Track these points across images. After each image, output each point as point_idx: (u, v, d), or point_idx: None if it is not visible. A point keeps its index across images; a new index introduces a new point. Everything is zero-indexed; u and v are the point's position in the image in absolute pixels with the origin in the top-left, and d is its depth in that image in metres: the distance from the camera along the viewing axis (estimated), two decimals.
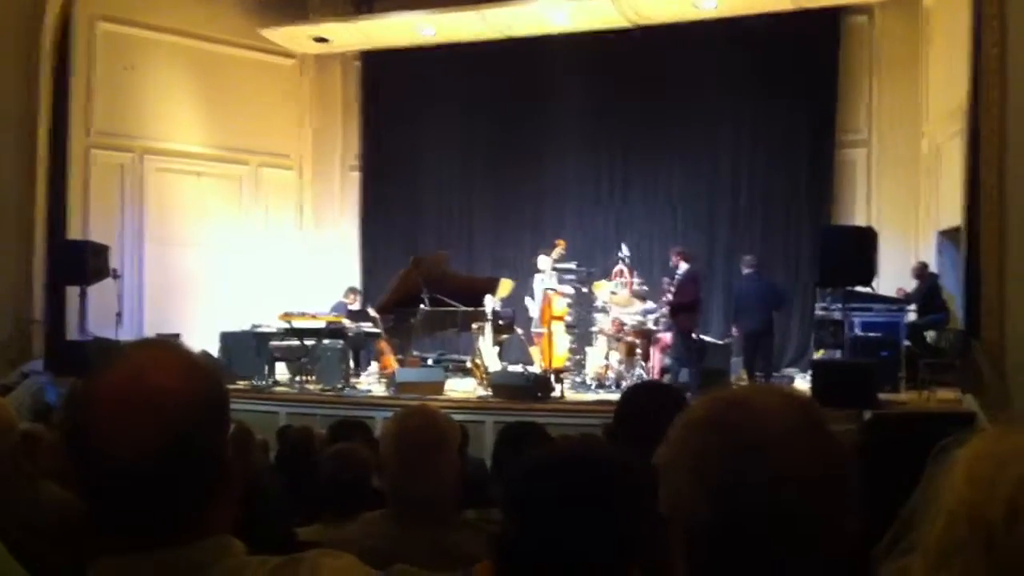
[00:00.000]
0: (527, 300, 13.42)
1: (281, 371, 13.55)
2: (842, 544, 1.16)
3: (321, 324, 13.08)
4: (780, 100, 14.86)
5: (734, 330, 12.59)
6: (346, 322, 13.47)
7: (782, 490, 1.12)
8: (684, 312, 12.02)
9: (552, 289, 12.85)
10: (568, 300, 12.98)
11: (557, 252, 13.11)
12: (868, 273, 10.96)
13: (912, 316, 12.49)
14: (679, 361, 12.18)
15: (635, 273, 13.40)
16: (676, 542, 1.18)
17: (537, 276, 13.24)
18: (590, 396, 12.05)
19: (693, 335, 12.22)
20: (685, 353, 12.05)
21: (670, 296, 12.37)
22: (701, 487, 1.15)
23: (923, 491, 1.05)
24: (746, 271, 12.66)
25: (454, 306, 13.02)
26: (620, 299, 12.93)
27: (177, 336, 13.07)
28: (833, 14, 14.53)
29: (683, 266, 12.24)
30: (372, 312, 13.71)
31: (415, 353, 14.01)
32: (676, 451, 1.19)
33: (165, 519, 1.26)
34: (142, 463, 1.23)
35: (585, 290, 13.32)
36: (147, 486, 1.24)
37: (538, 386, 11.58)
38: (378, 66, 17.04)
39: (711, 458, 1.16)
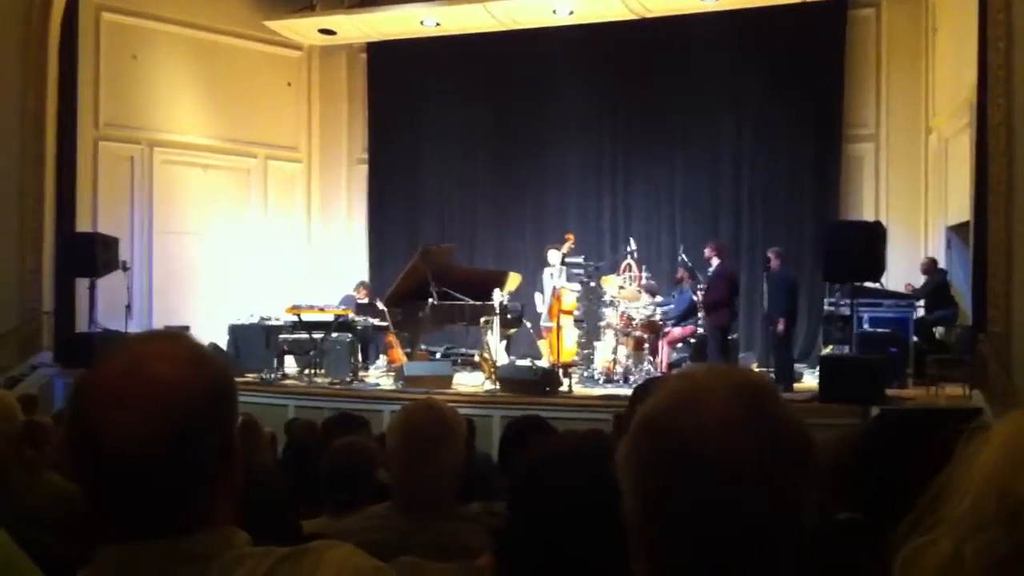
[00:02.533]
0: (536, 294, 13.43)
1: (290, 364, 13.58)
2: (800, 529, 1.15)
3: (329, 317, 13.10)
4: (786, 94, 14.81)
5: (780, 325, 11.72)
6: (354, 315, 13.48)
7: (718, 488, 1.11)
8: (717, 309, 11.89)
9: (562, 286, 12.87)
10: (576, 295, 12.98)
11: (567, 246, 13.12)
12: (877, 269, 10.92)
13: (921, 312, 12.45)
14: (710, 359, 11.94)
15: (643, 267, 13.39)
16: (632, 543, 1.18)
17: (547, 270, 13.26)
18: (598, 390, 12.03)
19: (728, 333, 12.11)
20: (715, 351, 11.86)
21: (699, 293, 12.33)
22: (641, 489, 1.15)
23: (951, 472, 1.04)
24: (778, 263, 12.06)
25: (462, 300, 13.02)
26: (628, 293, 12.92)
27: (186, 328, 13.12)
28: (839, 7, 14.50)
29: (715, 262, 12.07)
30: (380, 305, 13.71)
31: (423, 347, 14.03)
32: (624, 453, 1.19)
33: (167, 509, 1.26)
34: (142, 452, 1.23)
35: (593, 284, 13.31)
36: (147, 476, 1.24)
37: (546, 380, 11.58)
38: (384, 58, 17.04)
39: (647, 461, 1.15)
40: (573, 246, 13.22)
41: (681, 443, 1.13)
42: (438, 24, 15.52)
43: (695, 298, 12.60)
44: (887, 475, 2.55)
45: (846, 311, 11.70)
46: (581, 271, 13.24)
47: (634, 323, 12.60)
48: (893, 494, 2.54)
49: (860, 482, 2.67)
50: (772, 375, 11.82)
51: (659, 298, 13.05)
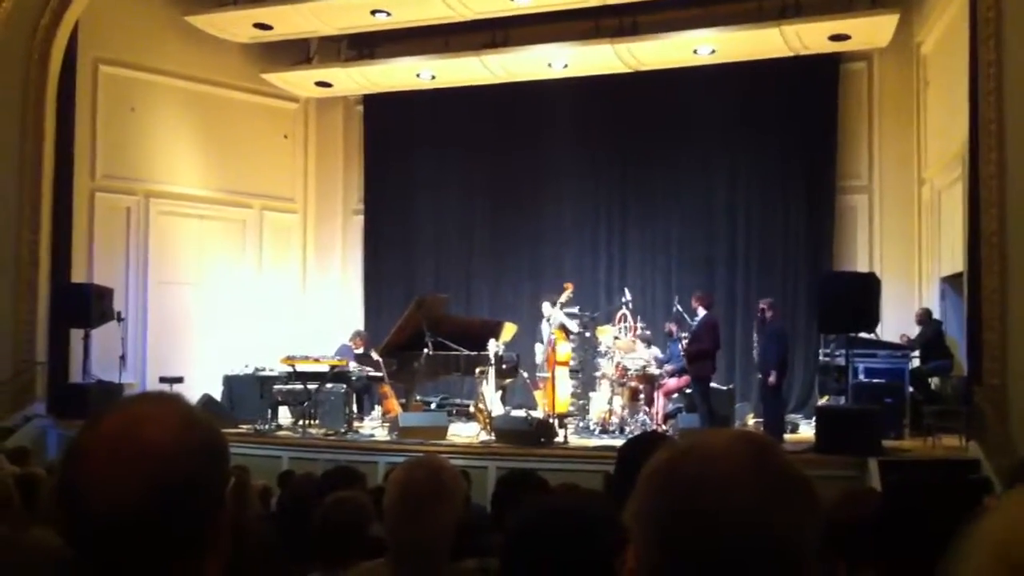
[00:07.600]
0: (536, 344, 13.40)
1: (284, 415, 13.51)
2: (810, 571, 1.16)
3: (324, 368, 13.06)
4: (780, 146, 14.94)
5: (772, 378, 11.37)
6: (351, 365, 13.45)
7: (721, 536, 1.12)
8: (701, 360, 11.79)
9: (562, 323, 12.83)
10: (572, 345, 12.95)
11: (566, 295, 13.08)
12: (871, 319, 10.93)
13: (916, 362, 12.44)
14: (698, 410, 11.89)
15: (638, 318, 13.38)
16: None
17: (544, 321, 13.22)
18: (593, 441, 11.98)
19: (710, 383, 12.03)
20: (699, 402, 11.84)
21: (683, 342, 12.26)
22: (650, 537, 1.17)
23: (960, 544, 1.06)
24: (772, 314, 11.86)
25: (457, 350, 13.00)
26: (623, 344, 12.91)
27: (180, 379, 13.09)
28: (831, 61, 14.64)
29: (701, 312, 11.98)
30: (376, 356, 13.68)
31: (418, 397, 13.98)
32: (633, 504, 1.21)
33: (154, 572, 1.26)
34: (131, 515, 1.23)
35: (588, 335, 13.29)
36: (137, 538, 1.23)
37: (541, 431, 11.53)
38: (380, 110, 17.17)
39: (653, 508, 1.17)
40: (572, 295, 13.18)
41: (685, 489, 1.15)
42: (434, 77, 15.65)
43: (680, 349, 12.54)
44: (908, 537, 2.52)
45: (841, 362, 11.69)
46: (577, 320, 13.23)
47: (629, 373, 12.57)
48: (915, 556, 2.51)
49: (875, 543, 2.63)
50: (763, 427, 11.81)
51: (656, 351, 13.02)
